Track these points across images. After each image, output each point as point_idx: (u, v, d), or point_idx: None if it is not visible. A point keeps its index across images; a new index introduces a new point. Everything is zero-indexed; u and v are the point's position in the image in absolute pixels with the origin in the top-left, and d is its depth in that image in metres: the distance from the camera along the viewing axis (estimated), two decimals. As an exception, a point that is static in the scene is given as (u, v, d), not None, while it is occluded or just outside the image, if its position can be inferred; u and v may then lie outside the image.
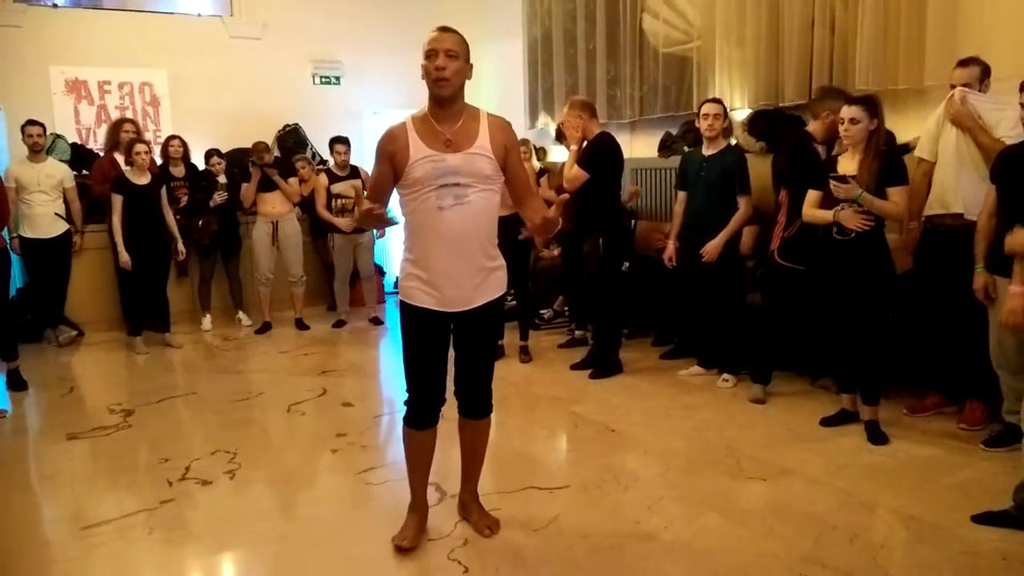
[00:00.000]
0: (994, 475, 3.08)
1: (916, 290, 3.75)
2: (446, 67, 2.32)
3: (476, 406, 2.68)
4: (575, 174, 4.51)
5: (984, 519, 2.70)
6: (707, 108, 4.37)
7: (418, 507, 2.73)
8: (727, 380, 4.42)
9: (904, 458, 3.33)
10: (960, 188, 3.53)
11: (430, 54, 2.34)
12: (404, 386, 2.58)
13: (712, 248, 4.32)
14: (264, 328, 6.21)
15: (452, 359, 2.61)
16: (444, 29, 2.39)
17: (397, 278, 2.55)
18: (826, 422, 3.72)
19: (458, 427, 2.75)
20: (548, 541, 2.69)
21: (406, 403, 2.59)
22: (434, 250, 2.41)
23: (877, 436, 3.50)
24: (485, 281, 2.49)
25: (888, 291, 3.53)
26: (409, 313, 2.51)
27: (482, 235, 2.46)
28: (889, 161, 3.41)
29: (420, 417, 2.59)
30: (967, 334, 3.49)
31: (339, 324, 6.38)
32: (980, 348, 3.34)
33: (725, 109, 4.45)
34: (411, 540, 2.64)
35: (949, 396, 3.81)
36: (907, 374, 4.06)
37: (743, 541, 2.66)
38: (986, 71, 3.52)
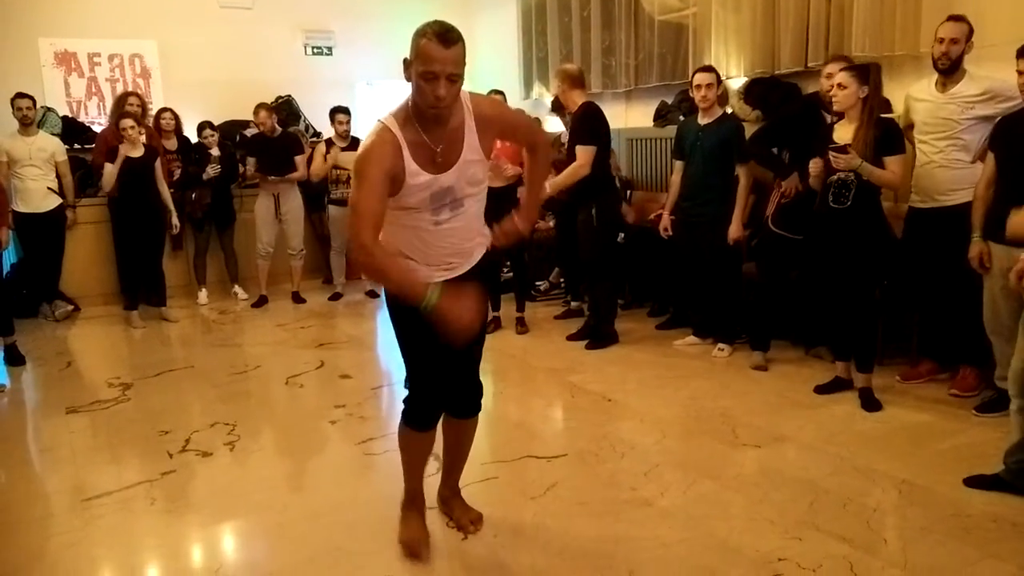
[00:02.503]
0: (986, 440, 3.12)
1: (910, 258, 3.76)
2: (447, 95, 2.00)
3: (468, 401, 2.48)
4: (582, 155, 4.42)
5: (975, 483, 2.74)
6: (699, 78, 4.30)
7: (418, 503, 2.57)
8: (722, 349, 4.44)
9: (897, 424, 3.37)
10: (943, 185, 3.56)
11: (429, 76, 1.97)
12: (401, 360, 2.41)
13: (735, 232, 4.28)
14: (260, 301, 6.20)
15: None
16: (445, 39, 1.95)
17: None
18: (820, 390, 3.75)
19: (442, 427, 2.51)
20: (546, 508, 2.73)
21: (406, 401, 2.39)
22: (427, 251, 2.23)
23: (871, 403, 3.53)
24: (473, 253, 2.34)
25: (883, 259, 3.54)
26: (399, 304, 2.24)
27: (477, 228, 2.31)
28: (886, 130, 3.39)
29: (425, 417, 2.39)
30: (960, 301, 3.51)
31: (335, 297, 6.38)
32: (973, 315, 3.36)
33: (719, 77, 4.39)
34: (422, 545, 2.47)
35: (942, 363, 3.84)
36: (901, 341, 4.09)
37: (738, 506, 2.70)
38: (971, 32, 3.47)
